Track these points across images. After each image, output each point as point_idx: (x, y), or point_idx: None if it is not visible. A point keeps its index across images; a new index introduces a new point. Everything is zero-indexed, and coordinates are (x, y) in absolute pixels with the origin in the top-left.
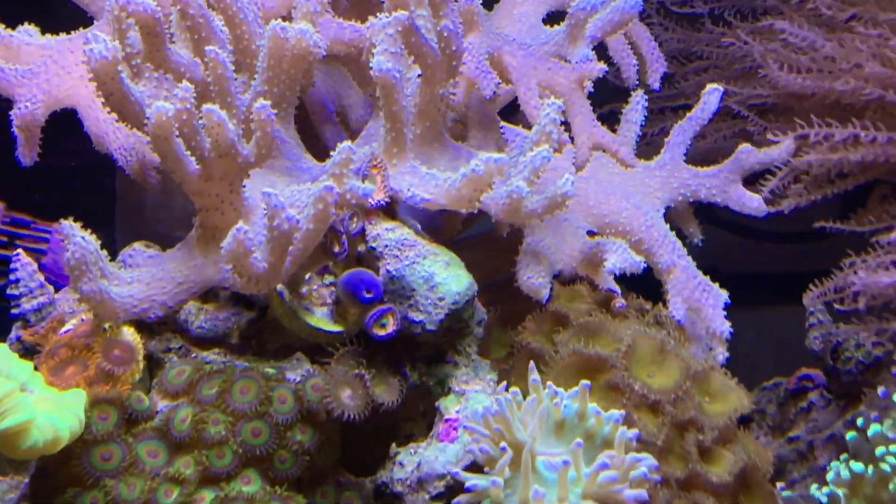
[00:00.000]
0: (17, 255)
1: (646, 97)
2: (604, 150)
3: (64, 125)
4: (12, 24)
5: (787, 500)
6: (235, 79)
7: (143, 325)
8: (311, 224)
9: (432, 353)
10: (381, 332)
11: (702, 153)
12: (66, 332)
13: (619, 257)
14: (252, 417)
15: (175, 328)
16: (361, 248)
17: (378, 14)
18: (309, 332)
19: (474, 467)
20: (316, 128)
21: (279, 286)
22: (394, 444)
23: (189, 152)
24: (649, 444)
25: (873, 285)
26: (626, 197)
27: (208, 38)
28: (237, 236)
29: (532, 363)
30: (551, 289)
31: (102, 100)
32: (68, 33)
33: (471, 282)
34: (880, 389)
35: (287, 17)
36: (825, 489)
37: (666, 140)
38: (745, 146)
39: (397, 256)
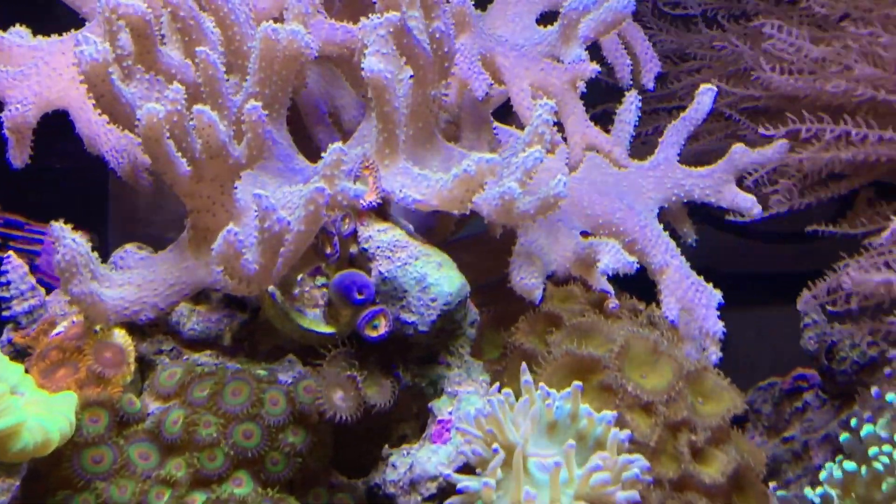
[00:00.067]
0: (9, 256)
1: (639, 97)
2: (597, 151)
3: (58, 126)
4: (10, 26)
5: (782, 500)
6: (227, 80)
7: (134, 328)
8: (303, 225)
9: (425, 354)
10: (374, 334)
11: (696, 155)
12: (57, 334)
13: (612, 258)
14: (244, 419)
15: (167, 330)
16: (354, 249)
17: (370, 15)
18: (301, 334)
19: (467, 469)
20: (308, 129)
21: (271, 288)
22: (386, 446)
23: (180, 154)
24: (642, 445)
25: (864, 284)
26: (619, 197)
27: (199, 39)
28: (227, 238)
29: (524, 364)
30: (544, 289)
31: (93, 102)
32: (60, 35)
33: (463, 283)
34: (874, 389)
35: (279, 19)
36: (818, 489)
37: (660, 140)
38: (738, 146)
39: (389, 258)
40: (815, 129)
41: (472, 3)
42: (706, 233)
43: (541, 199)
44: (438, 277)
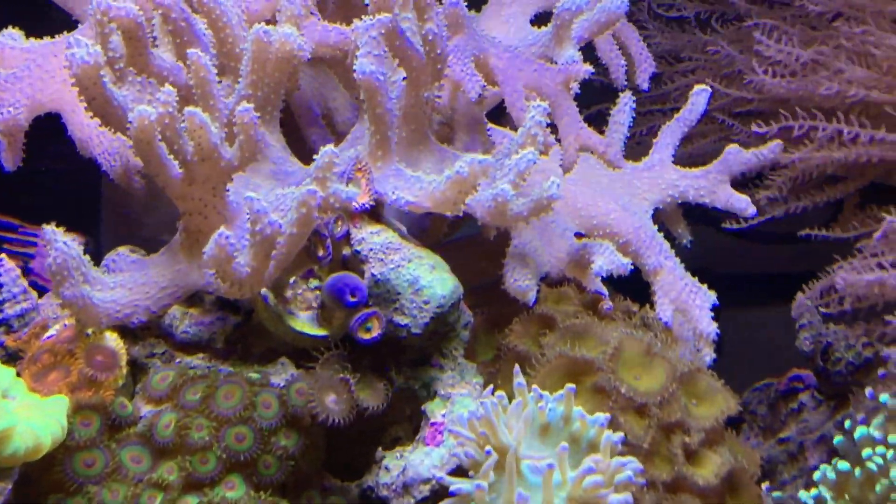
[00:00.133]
0: (1, 259)
1: (634, 98)
2: (591, 152)
3: (51, 129)
4: (3, 28)
5: (776, 502)
6: (219, 82)
7: (126, 331)
8: (294, 228)
9: (418, 356)
10: (366, 336)
11: (690, 157)
12: (48, 337)
13: (606, 259)
14: (236, 422)
15: (159, 333)
16: (346, 251)
17: (363, 17)
18: (294, 337)
19: (460, 471)
20: (302, 131)
21: (263, 290)
22: (379, 448)
23: (172, 156)
24: (635, 447)
25: (856, 285)
26: (614, 198)
27: (190, 41)
28: (218, 242)
29: (517, 366)
30: (538, 291)
31: (85, 104)
32: (53, 37)
33: (456, 285)
34: (868, 390)
35: (272, 21)
36: (812, 491)
37: (654, 141)
38: (732, 147)
39: (382, 260)
40: (807, 126)
41: (466, 4)
42: (702, 234)
43: (534, 201)
44: (431, 280)
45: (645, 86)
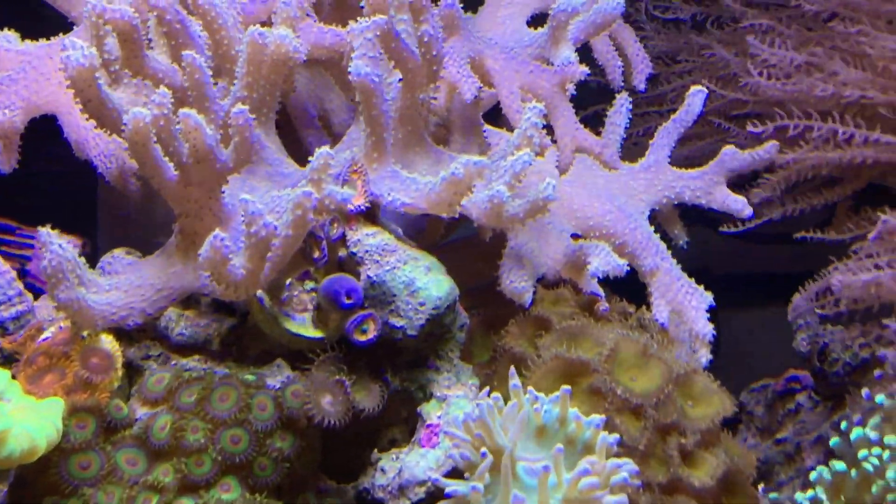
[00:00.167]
0: None
1: (630, 99)
2: (587, 153)
3: (49, 130)
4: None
5: (773, 503)
6: (214, 84)
7: (122, 333)
8: (290, 230)
9: (414, 358)
10: (362, 338)
11: (687, 159)
12: (44, 339)
13: (602, 260)
14: (231, 424)
15: (155, 335)
16: (342, 253)
17: (359, 18)
18: (289, 339)
19: (455, 473)
20: (298, 132)
21: (259, 292)
22: (375, 450)
23: (167, 158)
24: (631, 449)
25: (852, 285)
26: (610, 200)
27: (185, 43)
28: (214, 244)
29: (512, 368)
30: (534, 292)
31: (80, 106)
32: (49, 39)
33: (452, 287)
34: (864, 391)
35: (268, 23)
36: (809, 492)
37: (650, 142)
38: (728, 148)
39: (378, 262)
40: (802, 126)
41: (463, 5)
42: (698, 235)
43: (530, 202)
44: (427, 281)
45: (641, 87)
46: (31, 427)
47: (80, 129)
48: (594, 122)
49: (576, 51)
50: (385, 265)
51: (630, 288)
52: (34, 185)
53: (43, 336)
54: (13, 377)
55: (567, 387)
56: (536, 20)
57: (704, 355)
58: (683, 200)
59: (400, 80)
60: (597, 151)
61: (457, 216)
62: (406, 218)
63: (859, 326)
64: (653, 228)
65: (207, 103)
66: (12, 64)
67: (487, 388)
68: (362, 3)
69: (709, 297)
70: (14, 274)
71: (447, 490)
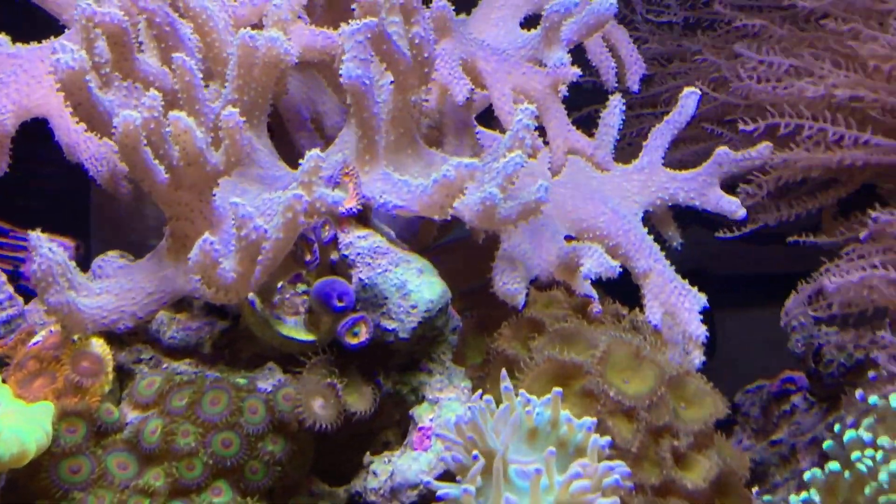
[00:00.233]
0: None
1: (623, 101)
2: (579, 155)
3: (42, 133)
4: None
5: None
6: (205, 86)
7: (113, 336)
8: (281, 233)
9: (406, 361)
10: (354, 341)
11: (681, 162)
12: (34, 344)
13: (595, 262)
14: (222, 428)
15: (146, 339)
16: (334, 256)
17: (350, 21)
18: (281, 342)
19: (447, 476)
20: (291, 135)
21: (251, 295)
22: (368, 453)
23: (157, 161)
24: (624, 451)
25: (844, 286)
26: (603, 201)
27: (175, 46)
28: (203, 247)
29: (504, 371)
30: (527, 294)
31: (71, 109)
32: (40, 42)
33: (444, 289)
34: (858, 393)
35: (259, 25)
36: (802, 494)
37: (644, 144)
38: (722, 149)
39: (370, 264)
40: (793, 124)
41: (455, 7)
42: (692, 236)
43: (522, 204)
44: (419, 284)
45: (635, 88)
46: (20, 431)
47: (71, 132)
48: (588, 124)
49: (569, 52)
50: (377, 268)
51: (623, 290)
52: (28, 188)
53: (33, 340)
54: (3, 381)
55: (559, 389)
56: (529, 22)
57: (697, 357)
58: (677, 202)
59: (391, 82)
60: (589, 153)
61: (449, 218)
62: (398, 220)
63: (852, 331)
64: (646, 230)
65: (198, 106)
66: (3, 67)
67: (480, 391)
68: (354, 6)
69: (702, 299)
70: (5, 278)
71: (439, 493)
